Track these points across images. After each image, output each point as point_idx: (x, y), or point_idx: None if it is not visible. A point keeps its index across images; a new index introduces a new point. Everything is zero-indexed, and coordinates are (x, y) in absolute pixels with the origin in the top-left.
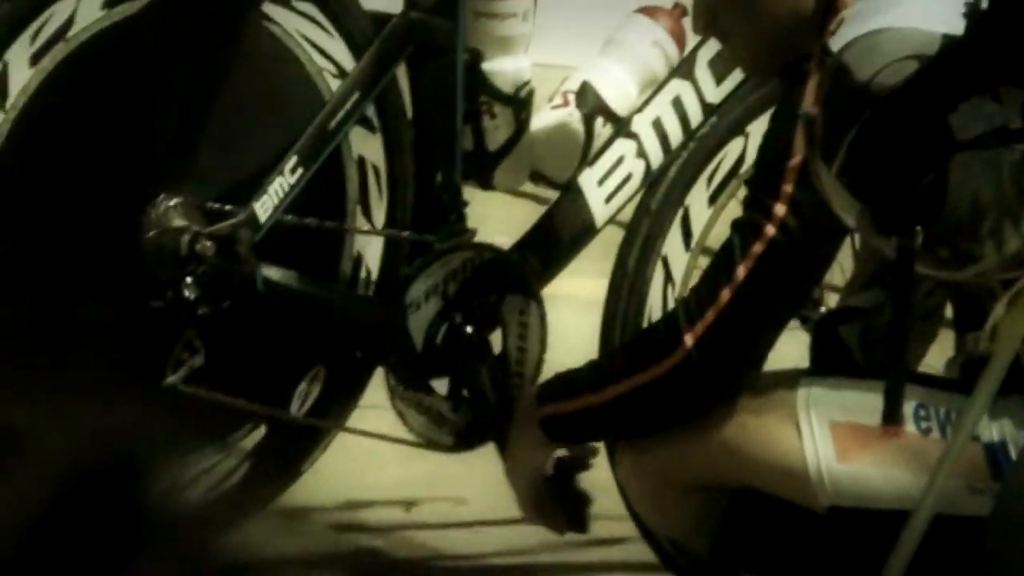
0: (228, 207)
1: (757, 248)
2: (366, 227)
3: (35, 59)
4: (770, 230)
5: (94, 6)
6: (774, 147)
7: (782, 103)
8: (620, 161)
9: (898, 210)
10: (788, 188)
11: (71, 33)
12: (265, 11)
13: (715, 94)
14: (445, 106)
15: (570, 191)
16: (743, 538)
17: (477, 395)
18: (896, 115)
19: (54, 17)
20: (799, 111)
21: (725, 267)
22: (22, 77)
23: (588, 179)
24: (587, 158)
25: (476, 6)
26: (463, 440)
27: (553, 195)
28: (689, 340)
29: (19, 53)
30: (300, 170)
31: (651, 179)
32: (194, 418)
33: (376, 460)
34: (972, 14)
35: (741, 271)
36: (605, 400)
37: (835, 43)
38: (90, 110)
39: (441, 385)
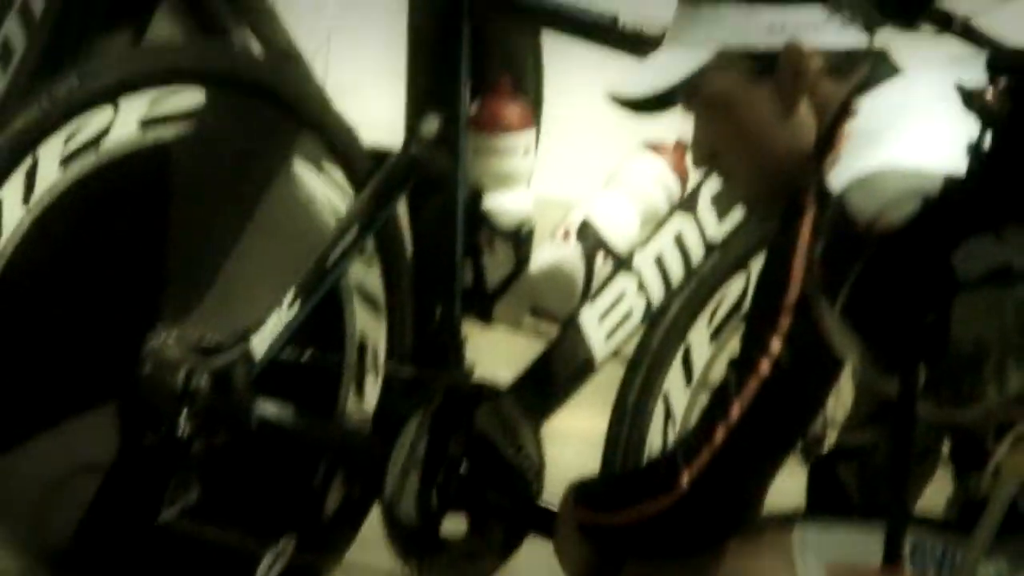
0: (225, 341)
1: (752, 385)
2: (364, 362)
3: (65, 162)
4: (764, 366)
5: (131, 123)
6: (771, 281)
7: (778, 237)
8: (621, 297)
9: (901, 349)
10: (785, 322)
11: (104, 146)
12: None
13: (717, 230)
14: (445, 241)
15: (570, 327)
16: None
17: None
18: (899, 254)
19: (91, 125)
20: (795, 246)
21: (720, 405)
22: (50, 176)
23: (589, 315)
24: (588, 294)
25: (477, 142)
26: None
27: (553, 330)
28: (685, 478)
29: (51, 152)
30: (298, 305)
31: (652, 316)
32: (194, 552)
33: None
34: (975, 152)
35: (735, 409)
36: (626, 521)
37: (833, 178)
38: (106, 226)
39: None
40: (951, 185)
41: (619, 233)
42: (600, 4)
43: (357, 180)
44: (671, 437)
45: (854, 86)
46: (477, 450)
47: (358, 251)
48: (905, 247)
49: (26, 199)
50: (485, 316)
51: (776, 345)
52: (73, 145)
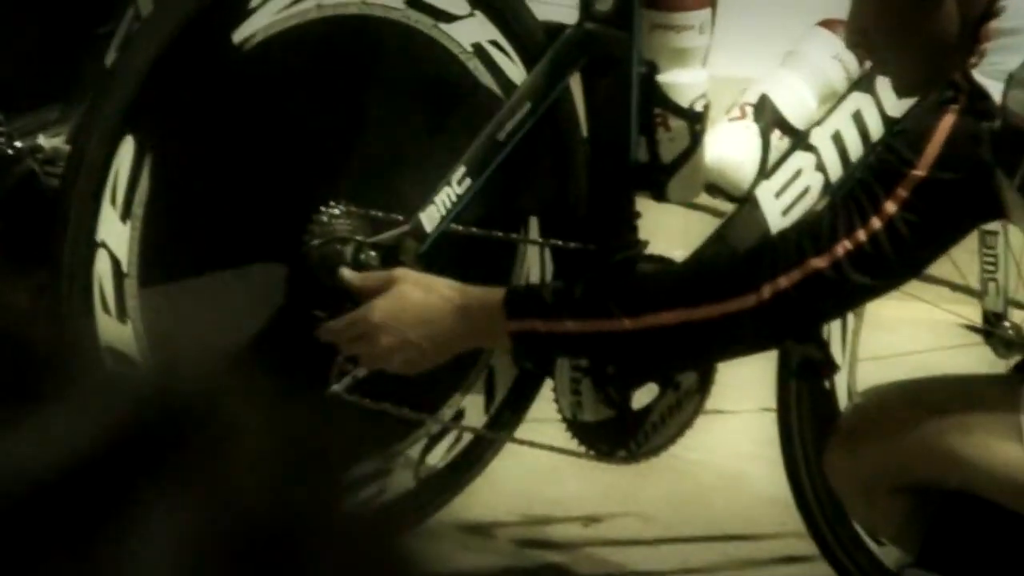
0: (394, 216)
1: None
2: (537, 238)
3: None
4: (876, 223)
5: (277, 5)
6: (903, 149)
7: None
8: (798, 174)
9: None
10: (901, 194)
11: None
12: (443, 29)
13: (896, 107)
14: (619, 117)
15: (747, 203)
16: (954, 541)
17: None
18: None
19: None
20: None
21: (870, 202)
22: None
23: (765, 192)
24: (764, 171)
25: (652, 18)
26: (638, 449)
27: (728, 207)
28: (767, 289)
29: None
30: (468, 181)
31: (831, 193)
32: (358, 427)
33: (554, 474)
34: None
35: (891, 206)
36: (646, 327)
37: (977, 74)
38: (264, 107)
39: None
40: None
41: (796, 110)
42: None
43: (530, 55)
44: None
45: None
46: None
47: (529, 126)
48: None
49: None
50: (659, 193)
51: (890, 207)
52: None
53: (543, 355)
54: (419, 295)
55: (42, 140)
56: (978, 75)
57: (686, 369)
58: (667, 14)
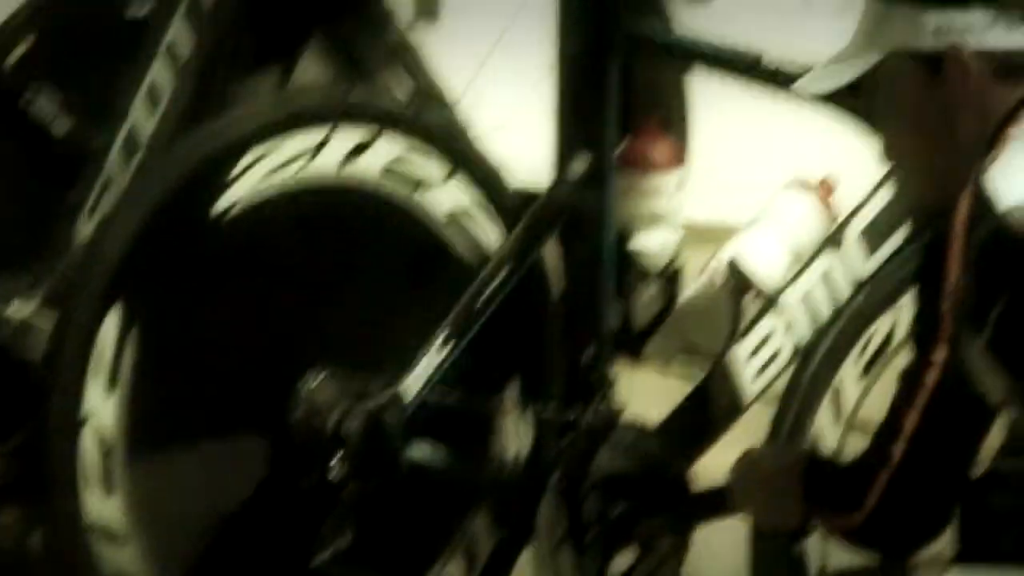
0: (377, 385)
1: (921, 397)
2: (516, 405)
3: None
4: (931, 376)
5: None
6: (928, 284)
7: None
8: (769, 336)
9: None
10: (947, 327)
11: (280, 178)
12: (417, 199)
13: (865, 268)
14: (594, 281)
15: (719, 367)
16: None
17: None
18: None
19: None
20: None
21: (893, 420)
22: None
23: (737, 355)
24: (736, 333)
25: (625, 182)
26: None
27: (702, 370)
28: (870, 499)
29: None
30: (448, 347)
31: (801, 354)
32: None
33: None
34: None
35: (908, 423)
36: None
37: (990, 179)
38: (246, 276)
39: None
40: None
41: (767, 271)
42: (743, 40)
43: (506, 220)
44: None
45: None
46: (627, 488)
47: (507, 291)
48: None
49: None
50: (635, 355)
51: (940, 353)
52: (260, 170)
53: None
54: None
55: (14, 309)
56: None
57: None
58: (640, 176)
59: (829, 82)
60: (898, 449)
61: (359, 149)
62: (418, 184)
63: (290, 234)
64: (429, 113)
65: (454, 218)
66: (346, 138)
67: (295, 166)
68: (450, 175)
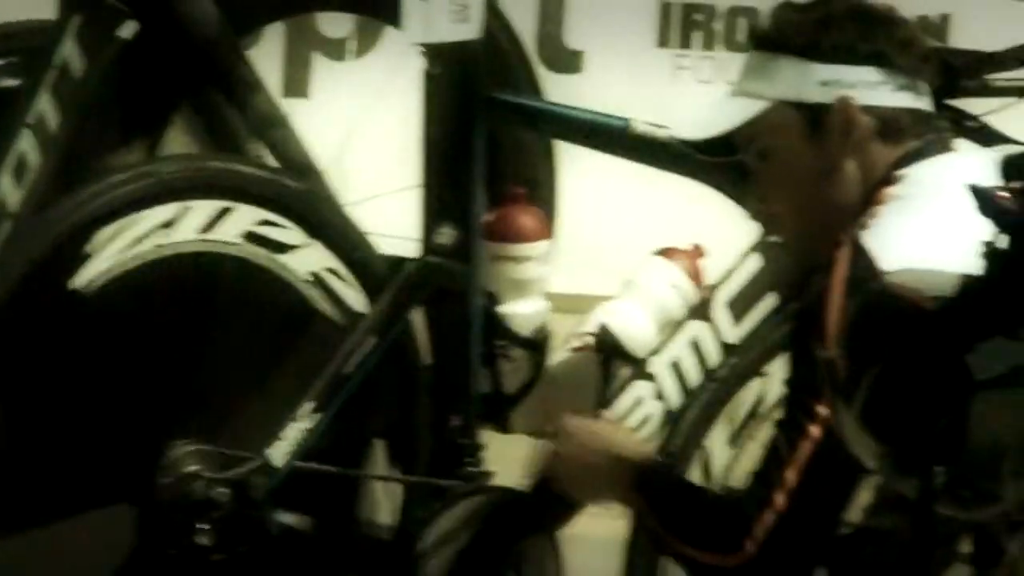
0: (244, 452)
1: (805, 450)
2: (384, 472)
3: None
4: (815, 431)
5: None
6: (805, 339)
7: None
8: (638, 403)
9: (918, 451)
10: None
11: (137, 251)
12: (280, 260)
13: (734, 334)
14: (461, 349)
15: None
16: None
17: None
18: (912, 357)
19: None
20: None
21: (776, 469)
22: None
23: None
24: (605, 400)
25: (492, 250)
26: None
27: None
28: (750, 545)
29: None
30: (316, 415)
31: (670, 421)
32: None
33: None
34: (991, 253)
35: (791, 475)
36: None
37: (867, 237)
38: (107, 348)
39: None
40: (968, 285)
41: (635, 339)
42: (613, 108)
43: (373, 289)
44: None
45: (905, 153)
46: (501, 555)
47: (374, 359)
48: (921, 349)
49: None
50: (502, 423)
51: (823, 410)
52: (120, 243)
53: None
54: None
55: None
56: (864, 238)
57: None
58: (508, 246)
59: (711, 127)
60: (780, 498)
61: (218, 218)
62: (279, 247)
63: (151, 305)
64: (294, 182)
65: (318, 278)
66: (205, 208)
67: (153, 238)
68: (311, 236)
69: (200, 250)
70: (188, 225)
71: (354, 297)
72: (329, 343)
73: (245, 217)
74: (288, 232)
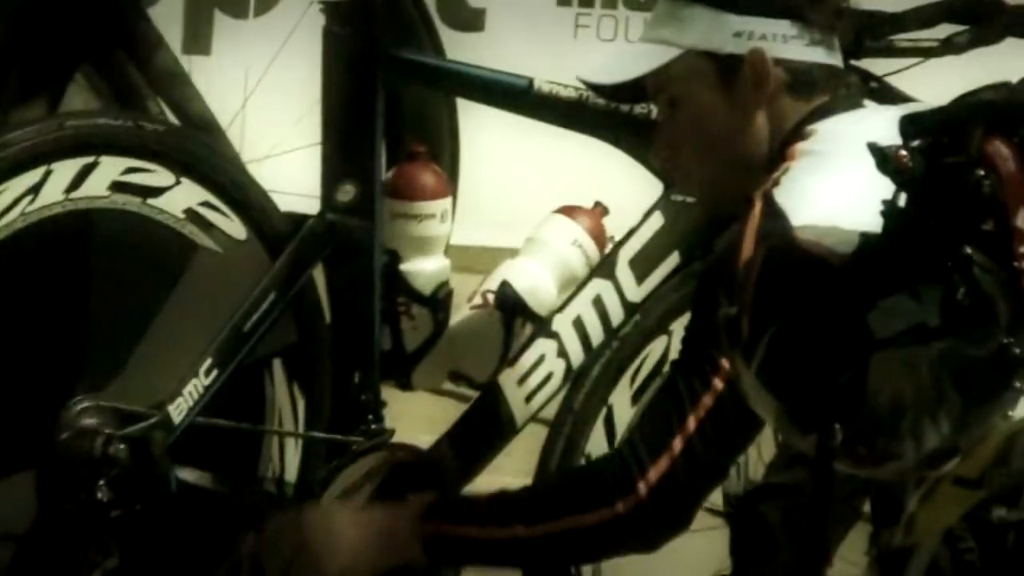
0: (143, 408)
1: (707, 400)
2: (284, 428)
3: None
4: (718, 384)
5: (55, 190)
6: (713, 289)
7: (722, 248)
8: (541, 360)
9: (817, 409)
10: None
11: (29, 210)
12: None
13: (636, 293)
14: (363, 306)
15: (490, 391)
16: None
17: None
18: (814, 314)
19: (13, 189)
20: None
21: (676, 415)
22: None
23: (508, 379)
24: (507, 358)
25: (393, 207)
26: None
27: (474, 393)
28: (643, 487)
29: None
30: (215, 372)
31: (573, 378)
32: None
33: None
34: (890, 211)
35: (692, 422)
36: (533, 535)
37: (781, 192)
38: (28, 290)
39: None
40: (869, 243)
41: (537, 297)
42: (515, 66)
43: (274, 247)
44: None
45: (815, 108)
46: None
47: (275, 316)
48: (820, 307)
49: None
50: (404, 381)
51: (728, 362)
52: None
53: (453, 559)
54: (330, 530)
55: None
56: (776, 193)
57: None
58: (408, 203)
59: (620, 74)
60: (678, 444)
61: (84, 174)
62: (150, 191)
63: (29, 273)
64: (152, 125)
65: (193, 213)
66: (68, 167)
67: (19, 207)
68: (179, 175)
69: (70, 209)
70: (53, 188)
71: (233, 226)
72: (213, 274)
73: (110, 169)
74: (156, 175)
